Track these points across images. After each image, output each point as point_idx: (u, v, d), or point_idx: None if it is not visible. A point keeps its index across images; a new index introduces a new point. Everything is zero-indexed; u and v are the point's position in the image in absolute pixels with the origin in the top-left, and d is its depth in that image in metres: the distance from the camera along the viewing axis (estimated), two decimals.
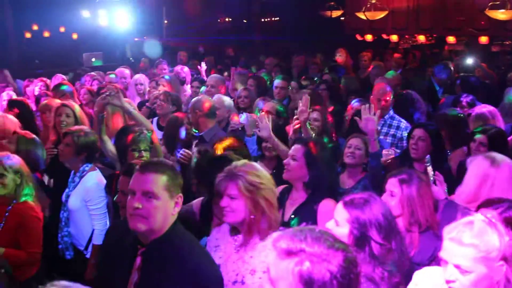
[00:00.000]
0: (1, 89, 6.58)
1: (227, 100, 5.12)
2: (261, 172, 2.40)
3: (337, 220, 2.29)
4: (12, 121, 4.37)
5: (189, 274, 1.97)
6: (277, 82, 6.29)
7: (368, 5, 10.36)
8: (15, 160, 3.32)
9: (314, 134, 4.10)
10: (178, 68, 7.52)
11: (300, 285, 1.43)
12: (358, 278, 1.50)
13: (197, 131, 4.46)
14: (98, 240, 3.43)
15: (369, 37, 11.52)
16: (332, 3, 11.61)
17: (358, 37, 11.78)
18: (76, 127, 3.81)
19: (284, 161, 3.12)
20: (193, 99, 4.66)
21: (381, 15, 10.39)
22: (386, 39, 11.94)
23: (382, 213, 2.25)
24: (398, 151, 4.40)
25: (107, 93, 3.99)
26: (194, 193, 3.13)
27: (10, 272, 2.47)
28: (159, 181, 2.02)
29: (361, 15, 10.48)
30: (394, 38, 11.72)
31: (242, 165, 2.38)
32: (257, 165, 2.46)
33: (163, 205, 2.02)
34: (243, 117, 4.84)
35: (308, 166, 3.03)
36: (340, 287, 1.43)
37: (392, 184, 2.69)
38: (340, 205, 2.32)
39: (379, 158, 3.57)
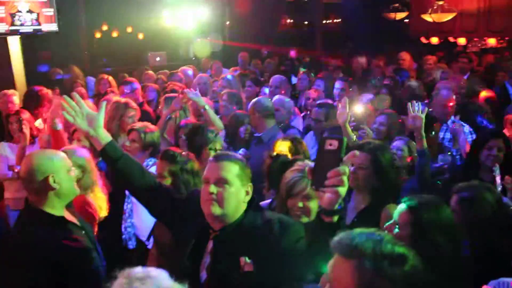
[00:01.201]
0: (72, 85, 6.98)
1: (288, 102, 5.13)
2: None
3: (398, 221, 2.26)
4: None
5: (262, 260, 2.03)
6: (337, 84, 6.25)
7: (435, 7, 9.98)
8: (82, 153, 3.35)
9: (355, 138, 4.03)
10: (230, 70, 7.65)
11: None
12: (419, 284, 1.45)
13: (256, 132, 4.52)
14: None
15: (434, 40, 11.12)
16: (397, 5, 11.31)
17: (423, 40, 11.40)
18: (141, 123, 3.94)
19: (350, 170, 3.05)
20: (253, 100, 4.71)
21: (448, 17, 9.97)
22: (453, 42, 11.47)
23: (448, 217, 2.21)
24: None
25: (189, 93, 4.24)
26: (263, 196, 3.19)
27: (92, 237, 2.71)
28: (232, 169, 2.14)
29: (427, 17, 10.12)
30: (462, 41, 11.22)
31: None
32: None
33: (236, 192, 2.14)
34: None
35: (376, 173, 2.96)
36: None
37: (453, 201, 2.60)
38: (402, 206, 2.29)
39: (426, 156, 3.50)
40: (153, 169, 3.59)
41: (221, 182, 2.12)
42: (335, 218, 1.72)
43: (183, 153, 3.03)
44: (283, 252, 2.02)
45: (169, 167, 2.96)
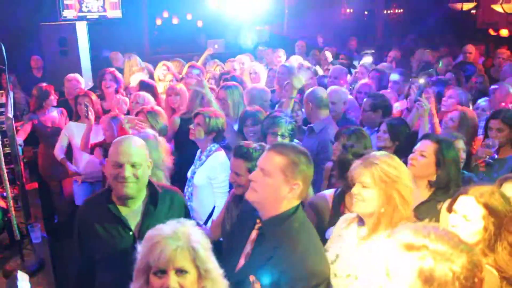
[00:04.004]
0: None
1: (345, 94, 5.05)
2: (400, 165, 2.31)
3: (468, 215, 2.22)
4: (150, 100, 4.79)
5: (293, 261, 2.01)
6: (393, 77, 6.09)
7: None
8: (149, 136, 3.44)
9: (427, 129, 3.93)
10: (292, 59, 7.58)
11: (419, 281, 1.43)
12: (481, 283, 1.45)
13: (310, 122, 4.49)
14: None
15: (504, 32, 10.49)
16: None
17: (492, 32, 10.80)
18: (207, 108, 4.00)
19: (411, 156, 3.00)
20: (308, 90, 4.66)
21: None
22: None
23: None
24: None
25: None
26: (333, 185, 3.17)
27: None
28: (276, 161, 2.11)
29: (498, 7, 9.56)
30: None
31: (380, 155, 2.34)
32: (397, 158, 2.36)
33: (274, 185, 2.10)
34: None
35: (437, 165, 2.91)
36: None
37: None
38: (470, 199, 2.24)
39: None
40: (217, 155, 3.72)
41: (262, 171, 2.12)
42: None
43: (257, 146, 2.94)
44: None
45: (245, 164, 2.86)
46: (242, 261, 2.18)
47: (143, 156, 2.51)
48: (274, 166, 2.09)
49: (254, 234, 2.19)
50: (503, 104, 4.71)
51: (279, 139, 3.55)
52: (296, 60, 7.41)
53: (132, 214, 2.55)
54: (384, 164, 2.24)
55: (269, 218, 2.13)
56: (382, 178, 2.21)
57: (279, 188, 2.09)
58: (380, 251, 2.15)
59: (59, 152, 5.18)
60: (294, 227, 2.09)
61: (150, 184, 2.62)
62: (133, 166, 2.46)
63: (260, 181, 2.11)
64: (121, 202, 2.54)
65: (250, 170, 2.81)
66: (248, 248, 2.18)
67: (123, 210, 2.54)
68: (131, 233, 2.51)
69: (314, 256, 2.08)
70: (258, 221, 2.18)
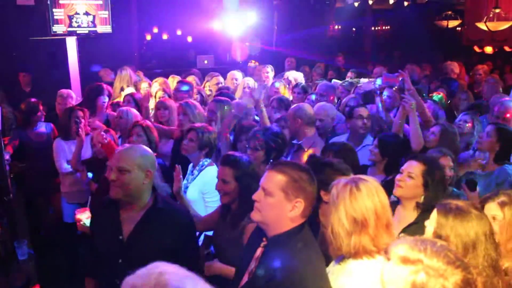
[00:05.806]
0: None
1: (332, 109, 5.06)
2: (364, 204, 2.12)
3: (432, 226, 2.22)
4: (135, 114, 4.78)
5: (293, 282, 1.99)
6: (385, 92, 6.11)
7: (491, 15, 9.60)
8: None
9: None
10: (286, 74, 7.63)
11: None
12: None
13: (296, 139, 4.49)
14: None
15: (488, 49, 10.72)
16: (450, 13, 10.99)
17: (476, 49, 11.02)
18: (199, 124, 4.02)
19: (397, 177, 2.92)
20: (294, 107, 4.62)
21: (505, 25, 9.55)
22: (508, 52, 11.03)
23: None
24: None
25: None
26: None
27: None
28: (276, 180, 2.11)
29: (482, 26, 9.76)
30: None
31: (343, 195, 2.15)
32: (361, 193, 2.14)
33: (276, 204, 2.10)
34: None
35: (424, 186, 2.83)
36: None
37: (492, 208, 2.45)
38: (435, 211, 2.24)
39: None
40: (209, 170, 3.74)
41: (264, 191, 2.13)
42: None
43: (244, 156, 2.99)
44: None
45: (232, 173, 2.90)
46: (245, 278, 2.19)
47: (133, 163, 2.52)
48: (274, 185, 2.10)
49: (259, 251, 2.19)
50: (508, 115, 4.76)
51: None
52: (292, 75, 7.45)
53: (128, 219, 2.58)
54: (345, 209, 2.13)
55: (273, 237, 2.13)
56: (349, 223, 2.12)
57: (281, 207, 2.09)
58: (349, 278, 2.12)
59: (62, 166, 5.04)
60: (297, 247, 2.07)
61: (155, 196, 2.65)
62: (119, 170, 2.51)
63: (263, 201, 2.12)
64: (122, 205, 2.59)
65: (237, 178, 2.89)
66: (252, 265, 2.18)
67: (123, 213, 2.60)
68: (120, 237, 2.54)
69: (315, 277, 2.06)
70: (264, 239, 2.19)
